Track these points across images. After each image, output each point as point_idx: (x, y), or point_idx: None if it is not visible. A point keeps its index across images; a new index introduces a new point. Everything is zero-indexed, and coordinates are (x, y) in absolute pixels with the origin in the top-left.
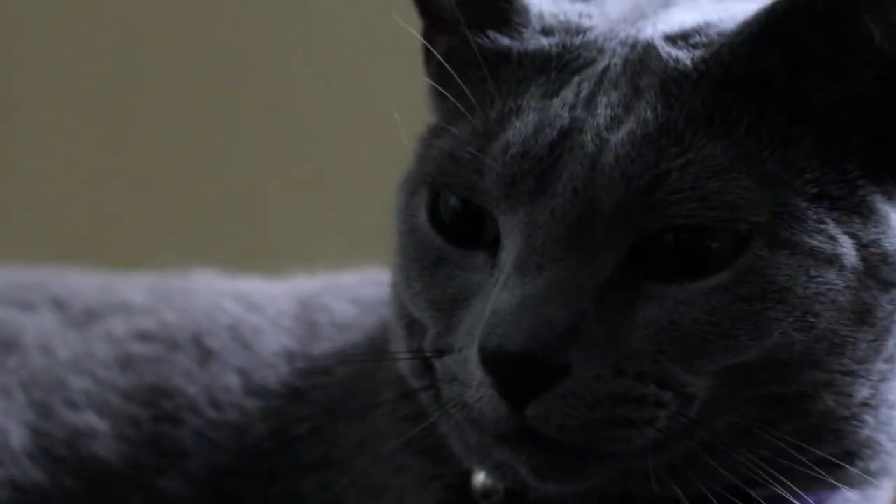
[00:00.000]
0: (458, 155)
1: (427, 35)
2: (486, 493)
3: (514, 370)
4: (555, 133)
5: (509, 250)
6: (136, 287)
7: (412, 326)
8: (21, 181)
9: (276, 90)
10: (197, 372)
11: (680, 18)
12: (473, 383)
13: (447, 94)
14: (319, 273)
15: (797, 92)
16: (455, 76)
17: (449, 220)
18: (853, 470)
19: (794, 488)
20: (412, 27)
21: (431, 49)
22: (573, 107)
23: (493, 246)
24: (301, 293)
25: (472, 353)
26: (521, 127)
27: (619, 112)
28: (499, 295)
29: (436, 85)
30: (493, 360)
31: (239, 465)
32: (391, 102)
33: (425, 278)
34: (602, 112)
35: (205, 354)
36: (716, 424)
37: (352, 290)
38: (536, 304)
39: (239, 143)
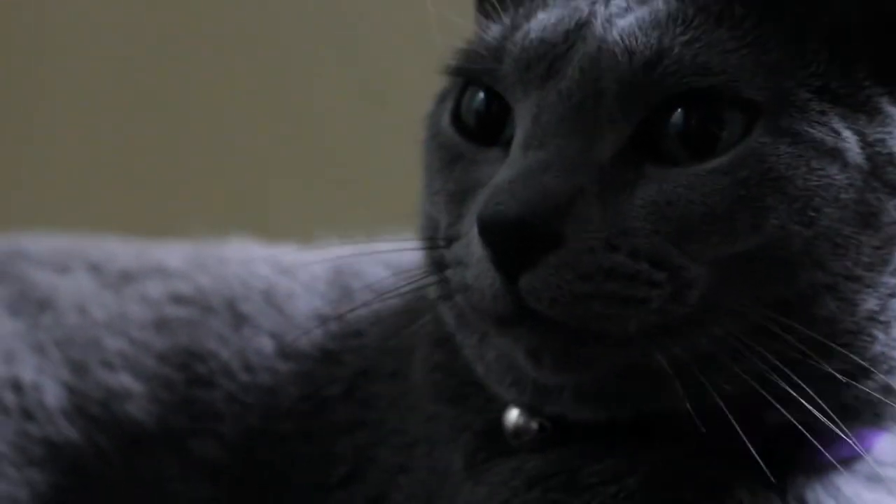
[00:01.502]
0: (487, 44)
1: None
2: (518, 432)
3: (508, 236)
4: (572, 23)
5: (518, 133)
6: (171, 252)
7: (433, 237)
8: (39, 179)
9: (286, 87)
10: (230, 335)
11: None
12: (473, 261)
13: None
14: (353, 239)
15: None
16: None
17: (471, 120)
18: (870, 386)
19: (812, 409)
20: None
21: None
22: (593, 2)
23: (509, 144)
24: (335, 258)
25: (474, 233)
26: (543, 18)
27: (633, 4)
28: (501, 171)
29: None
30: (488, 227)
31: (271, 428)
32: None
33: (443, 175)
34: (616, 3)
35: (238, 318)
36: (719, 324)
37: (386, 255)
38: (534, 175)
39: (250, 143)
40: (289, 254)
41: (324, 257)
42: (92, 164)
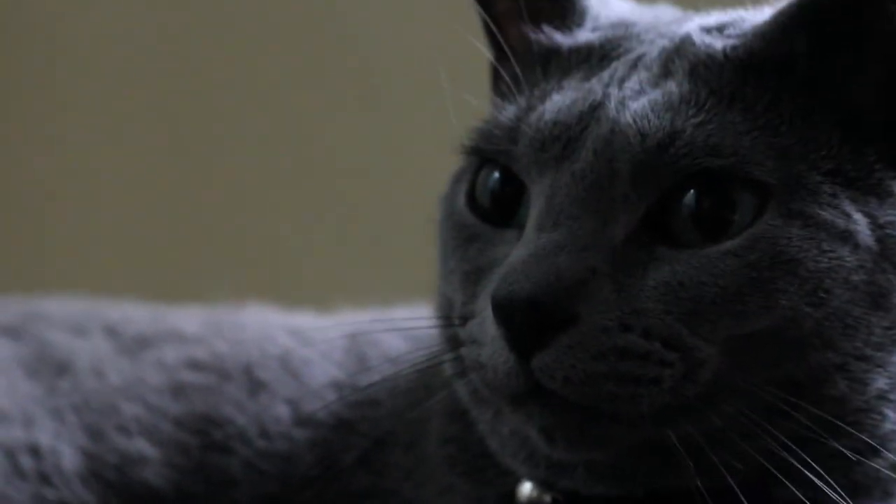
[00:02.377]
0: (502, 125)
1: (488, 27)
2: None
3: (521, 316)
4: (586, 105)
5: (533, 214)
6: (188, 317)
7: (448, 315)
8: (58, 240)
9: (309, 154)
10: (247, 402)
11: (719, 16)
12: (487, 340)
13: (503, 74)
14: (369, 307)
15: (820, 77)
16: (512, 61)
17: (486, 200)
18: (880, 464)
19: (822, 486)
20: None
21: (497, 35)
22: (607, 85)
23: (524, 225)
24: (351, 327)
25: (488, 312)
26: (558, 100)
27: (646, 87)
28: (515, 251)
29: (495, 63)
30: (501, 306)
31: (286, 495)
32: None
33: (458, 254)
34: (629, 86)
35: (255, 385)
36: (729, 403)
37: (402, 325)
38: (548, 256)
39: (270, 208)
40: (306, 321)
41: (341, 325)
42: (110, 227)
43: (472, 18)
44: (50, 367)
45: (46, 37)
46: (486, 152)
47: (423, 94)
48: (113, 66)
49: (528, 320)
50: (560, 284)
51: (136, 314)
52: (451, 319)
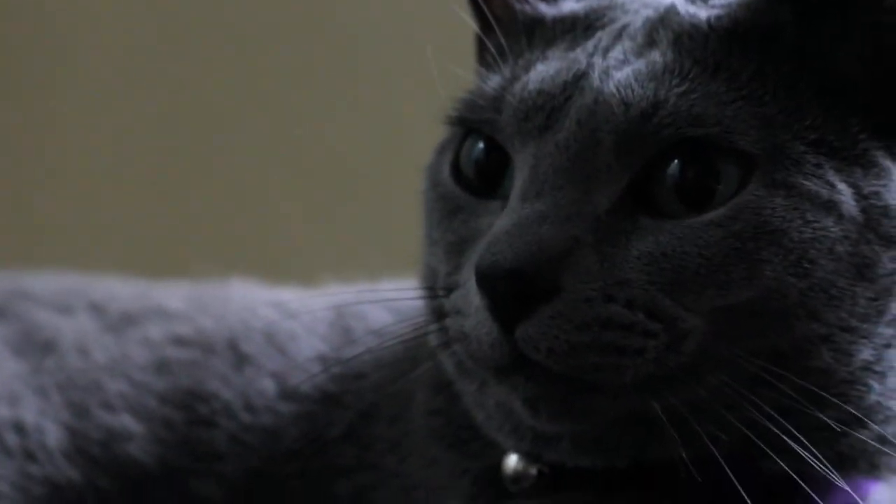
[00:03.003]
0: (487, 94)
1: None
2: (517, 478)
3: (504, 286)
4: (570, 75)
5: (516, 184)
6: (173, 294)
7: (433, 286)
8: (41, 216)
9: (292, 128)
10: (232, 376)
11: None
12: (471, 311)
13: (488, 45)
14: (355, 282)
15: (805, 47)
16: (497, 31)
17: (470, 170)
18: (866, 435)
19: (808, 458)
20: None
21: (482, 5)
22: (591, 55)
23: (507, 196)
24: (336, 300)
25: (472, 282)
26: (542, 70)
27: (630, 57)
28: (499, 221)
29: (480, 33)
30: (485, 276)
31: (272, 468)
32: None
33: (443, 225)
34: (613, 56)
35: (240, 359)
36: (714, 374)
37: (388, 298)
38: (531, 226)
39: (254, 183)
40: (291, 295)
41: (326, 298)
42: (95, 203)
43: None
44: (35, 346)
45: (47, 32)
46: (470, 122)
47: (408, 65)
48: (103, 48)
49: (511, 290)
50: (543, 254)
51: (121, 291)
52: (436, 290)
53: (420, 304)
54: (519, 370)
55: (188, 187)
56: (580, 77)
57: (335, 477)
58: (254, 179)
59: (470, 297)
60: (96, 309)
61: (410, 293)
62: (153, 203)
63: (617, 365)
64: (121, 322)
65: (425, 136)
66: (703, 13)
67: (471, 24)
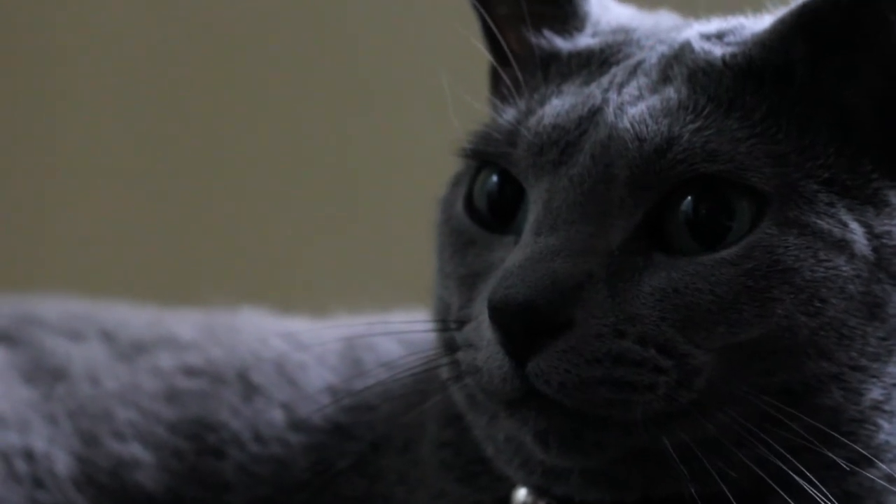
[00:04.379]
0: (502, 128)
1: (489, 30)
2: None
3: (517, 320)
4: (585, 110)
5: (530, 218)
6: (184, 322)
7: (445, 319)
8: (54, 241)
9: (307, 158)
10: (242, 406)
11: (718, 24)
12: (483, 344)
13: (504, 77)
14: (366, 313)
15: (817, 86)
16: (513, 64)
17: (483, 204)
18: (874, 474)
19: (816, 496)
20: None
21: (499, 38)
22: (606, 90)
23: (520, 231)
24: (347, 332)
25: (485, 316)
26: (557, 104)
27: (645, 92)
28: (512, 255)
29: (496, 65)
30: (497, 310)
31: (280, 499)
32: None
33: (456, 259)
34: (628, 92)
35: (250, 389)
36: (724, 411)
37: (398, 331)
38: (544, 260)
39: (266, 212)
40: (301, 326)
41: (336, 330)
42: (107, 229)
43: (473, 19)
44: (46, 373)
45: (49, 34)
46: (484, 155)
47: (422, 97)
48: (113, 66)
49: (523, 324)
50: (556, 289)
51: (132, 319)
52: (448, 323)
53: (431, 336)
54: (530, 404)
55: (199, 215)
56: (595, 112)
57: None
58: (266, 209)
59: (482, 331)
60: (107, 336)
61: (421, 325)
62: (165, 230)
63: (627, 400)
64: (132, 350)
65: (440, 167)
66: (717, 50)
67: (485, 55)
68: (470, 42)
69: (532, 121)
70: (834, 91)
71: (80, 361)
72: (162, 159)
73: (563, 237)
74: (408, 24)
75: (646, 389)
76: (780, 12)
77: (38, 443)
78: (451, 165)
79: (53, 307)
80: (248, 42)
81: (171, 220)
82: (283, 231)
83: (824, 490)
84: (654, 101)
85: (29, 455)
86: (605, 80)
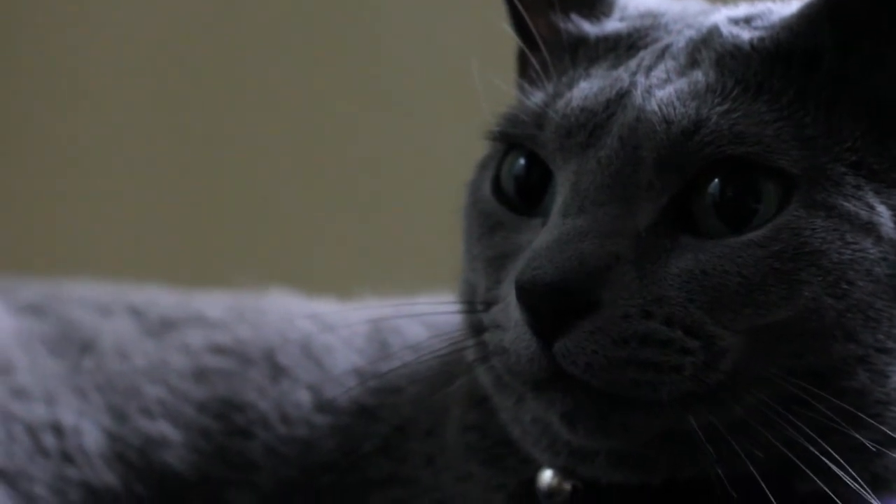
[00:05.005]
0: (530, 110)
1: (517, 14)
2: (551, 493)
3: (544, 300)
4: (613, 93)
5: (558, 200)
6: (212, 302)
7: (472, 301)
8: (82, 225)
9: (334, 144)
10: (269, 387)
11: (746, 8)
12: (511, 325)
13: (532, 61)
14: (392, 296)
15: (845, 71)
16: (542, 48)
17: (511, 187)
18: None
19: (843, 477)
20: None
21: (528, 22)
22: (634, 73)
23: (548, 213)
24: (374, 315)
25: (512, 297)
26: (585, 87)
27: (672, 76)
28: (540, 236)
29: (525, 48)
30: (525, 291)
31: (306, 480)
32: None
33: (483, 241)
34: (656, 75)
35: (277, 370)
36: (751, 392)
37: (425, 314)
38: (572, 241)
39: (295, 195)
40: (328, 308)
41: (363, 311)
42: (135, 214)
43: (500, 2)
44: (73, 346)
45: (61, 31)
46: (512, 137)
47: (449, 81)
48: (142, 43)
49: (550, 304)
50: (583, 270)
51: (160, 298)
52: (475, 305)
53: (457, 319)
54: (557, 385)
55: (225, 200)
56: (623, 95)
57: (369, 490)
58: (292, 192)
59: (509, 312)
60: (136, 312)
61: (448, 308)
62: (190, 215)
63: (654, 381)
64: (160, 327)
65: (467, 151)
66: (745, 34)
67: (513, 40)
68: (497, 25)
69: (560, 103)
70: (862, 76)
71: (109, 335)
72: (189, 142)
73: (591, 219)
74: (435, 8)
75: (672, 370)
76: None
77: (67, 416)
78: (478, 149)
79: (82, 286)
80: (273, 17)
81: (198, 205)
82: (309, 215)
83: (851, 472)
84: (681, 84)
85: (57, 429)
86: (632, 63)
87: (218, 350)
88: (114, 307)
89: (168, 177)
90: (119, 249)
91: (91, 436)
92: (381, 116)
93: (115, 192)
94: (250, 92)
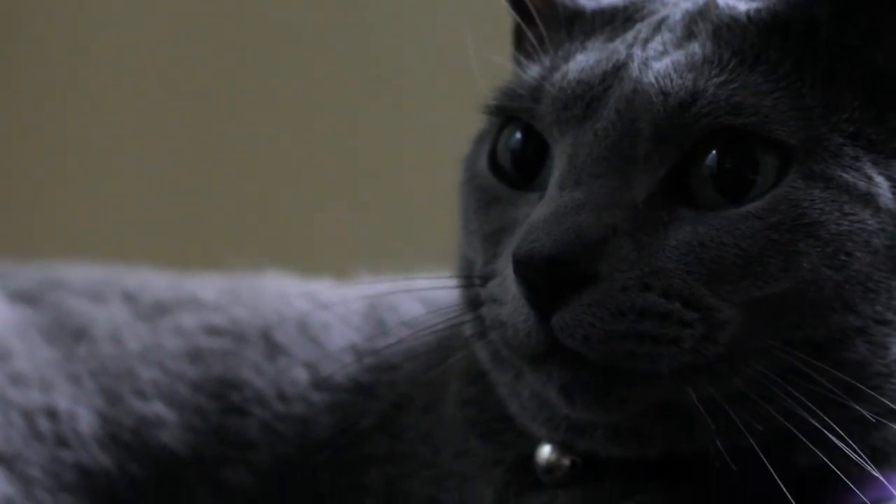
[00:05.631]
0: (526, 83)
1: None
2: (550, 468)
3: (542, 273)
4: (609, 65)
5: (555, 172)
6: (207, 285)
7: (469, 275)
8: (76, 208)
9: (327, 125)
10: (265, 365)
11: None
12: (508, 298)
13: (528, 35)
14: (388, 275)
15: (843, 43)
16: (538, 22)
17: (507, 161)
18: None
19: (844, 449)
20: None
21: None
22: (630, 46)
23: (545, 188)
24: (370, 293)
25: (509, 271)
26: (581, 60)
27: (669, 48)
28: (537, 210)
29: (520, 22)
30: (522, 264)
31: (303, 457)
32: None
33: (480, 216)
34: (652, 47)
35: (273, 348)
36: (750, 364)
37: (421, 291)
38: (569, 214)
39: (288, 177)
40: (325, 287)
41: (359, 291)
42: (129, 197)
43: None
44: (68, 334)
45: (65, 30)
46: (508, 110)
47: (444, 57)
48: (144, 39)
49: (548, 277)
50: (580, 242)
51: (154, 281)
52: (472, 280)
53: (454, 296)
54: (554, 358)
55: (221, 183)
56: (619, 67)
57: (367, 467)
58: (286, 173)
59: (507, 285)
60: (130, 298)
61: (445, 284)
62: (186, 200)
63: (653, 353)
64: (154, 311)
65: (461, 127)
66: (742, 6)
67: (509, 13)
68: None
69: (557, 76)
70: (859, 48)
71: (102, 322)
72: (182, 126)
73: (588, 191)
74: None
75: (671, 343)
76: None
77: (61, 401)
78: (473, 125)
79: (75, 271)
80: (262, 19)
81: (191, 187)
82: (304, 195)
83: (851, 443)
84: (678, 55)
85: (52, 413)
86: (629, 35)
87: (213, 331)
88: (107, 293)
89: (164, 161)
90: (115, 233)
91: (84, 419)
92: (375, 93)
93: (111, 176)
94: (244, 75)
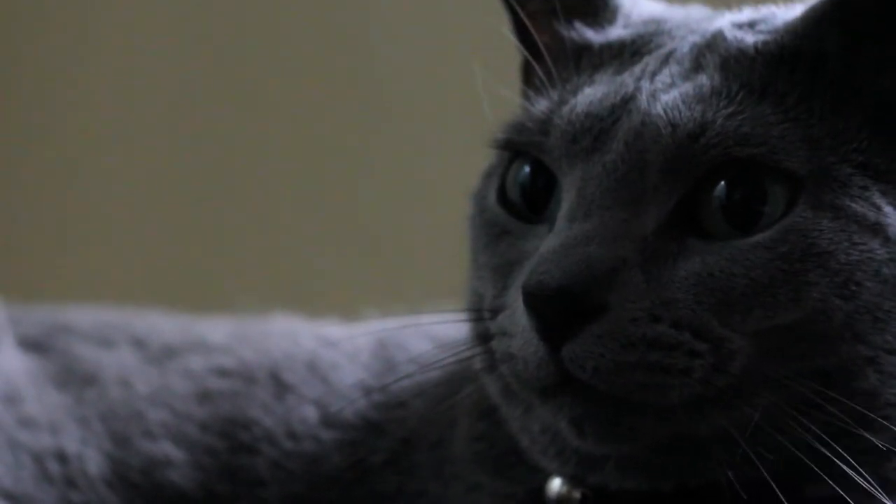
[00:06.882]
0: (535, 117)
1: (520, 24)
2: (561, 501)
3: (552, 305)
4: (617, 98)
5: (564, 205)
6: (215, 327)
7: (478, 309)
8: (84, 250)
9: (334, 164)
10: (274, 404)
11: (750, 13)
12: (518, 331)
13: (536, 69)
14: (396, 314)
15: (850, 74)
16: (546, 56)
17: (517, 195)
18: None
19: (856, 478)
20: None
21: (531, 31)
22: (638, 79)
23: (554, 221)
24: (378, 331)
25: (519, 303)
26: (590, 93)
27: (677, 80)
28: (546, 242)
29: (529, 57)
30: (532, 296)
31: (313, 495)
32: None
33: (489, 250)
34: (660, 79)
35: (282, 388)
36: (761, 395)
37: (429, 328)
38: (579, 246)
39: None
40: (333, 328)
41: (368, 330)
42: (139, 239)
43: (502, 11)
44: (77, 379)
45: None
46: (517, 144)
47: (452, 92)
48: (141, 64)
49: (558, 309)
50: (590, 273)
51: (162, 325)
52: (482, 313)
53: (462, 333)
54: (565, 390)
55: (228, 224)
56: (628, 100)
57: None
58: (293, 215)
59: (517, 318)
60: (138, 343)
61: (454, 319)
62: (193, 241)
63: (663, 385)
64: (162, 354)
65: (469, 163)
66: (749, 38)
67: (516, 48)
68: (500, 34)
69: (565, 110)
70: (867, 79)
71: (111, 367)
72: (191, 169)
73: (597, 223)
74: (438, 18)
75: (681, 374)
76: (812, 1)
77: (71, 444)
78: (481, 161)
79: (84, 316)
80: (274, 29)
81: (199, 230)
82: (313, 231)
83: (863, 473)
84: (686, 87)
85: (61, 456)
86: (637, 69)
87: (221, 372)
88: (116, 339)
89: (170, 201)
90: (121, 274)
91: (93, 461)
92: (384, 130)
93: (118, 214)
94: (258, 111)
